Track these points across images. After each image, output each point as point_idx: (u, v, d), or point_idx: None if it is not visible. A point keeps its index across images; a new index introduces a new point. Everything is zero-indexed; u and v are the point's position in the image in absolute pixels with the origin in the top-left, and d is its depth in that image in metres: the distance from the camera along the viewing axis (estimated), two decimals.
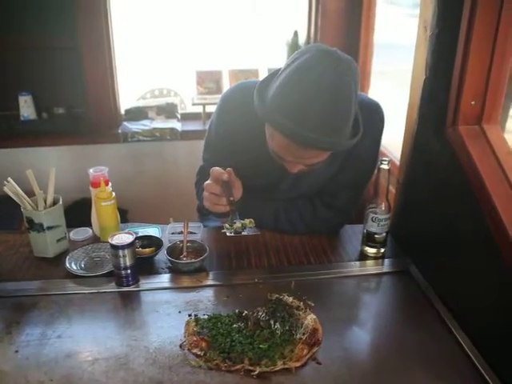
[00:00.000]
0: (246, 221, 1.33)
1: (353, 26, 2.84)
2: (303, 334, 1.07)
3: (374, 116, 1.44)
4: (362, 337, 1.12)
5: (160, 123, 3.01)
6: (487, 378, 0.98)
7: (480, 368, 1.01)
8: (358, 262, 1.41)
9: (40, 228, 1.35)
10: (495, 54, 1.13)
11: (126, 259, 1.22)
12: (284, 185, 1.51)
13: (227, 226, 1.32)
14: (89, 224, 1.54)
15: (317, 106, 1.09)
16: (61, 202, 1.39)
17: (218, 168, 1.32)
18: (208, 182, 1.33)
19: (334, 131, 1.14)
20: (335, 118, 1.13)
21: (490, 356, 1.03)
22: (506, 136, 1.23)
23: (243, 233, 1.33)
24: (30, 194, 1.36)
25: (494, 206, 1.03)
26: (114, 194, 1.42)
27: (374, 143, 1.46)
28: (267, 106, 1.18)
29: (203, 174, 1.44)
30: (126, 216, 2.90)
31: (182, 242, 1.39)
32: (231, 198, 1.32)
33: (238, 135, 1.46)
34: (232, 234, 1.32)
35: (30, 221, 1.34)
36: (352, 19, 2.82)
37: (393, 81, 3.02)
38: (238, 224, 1.32)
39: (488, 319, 1.07)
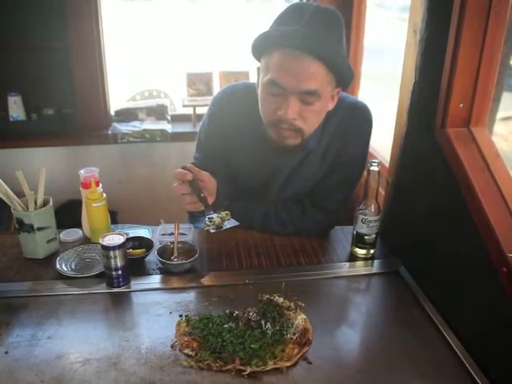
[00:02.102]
0: (223, 213, 1.32)
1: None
2: (294, 333, 1.07)
3: (362, 117, 1.46)
4: (352, 337, 1.13)
5: (150, 124, 3.00)
6: (476, 377, 1.00)
7: (468, 367, 1.02)
8: (347, 263, 1.41)
9: (30, 229, 1.34)
10: (483, 57, 1.15)
11: (117, 260, 1.22)
12: (275, 186, 1.52)
13: (207, 223, 1.31)
14: (79, 225, 1.54)
15: (308, 11, 1.21)
16: (51, 203, 1.39)
17: (179, 170, 1.30)
18: (174, 184, 1.31)
19: (327, 37, 1.22)
20: (326, 20, 1.23)
21: (478, 355, 1.04)
22: (494, 139, 1.24)
23: (225, 227, 1.31)
24: (20, 195, 1.35)
25: (481, 206, 1.04)
26: (104, 195, 1.42)
27: (362, 144, 1.48)
28: (263, 32, 1.27)
29: None
30: (115, 218, 2.88)
31: (172, 243, 1.39)
32: (202, 195, 1.30)
33: (229, 136, 1.47)
34: (215, 230, 1.31)
35: (20, 222, 1.34)
36: None
37: (382, 84, 3.04)
38: (216, 219, 1.31)
39: (477, 319, 1.09)
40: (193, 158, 1.60)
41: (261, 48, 1.29)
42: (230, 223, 1.32)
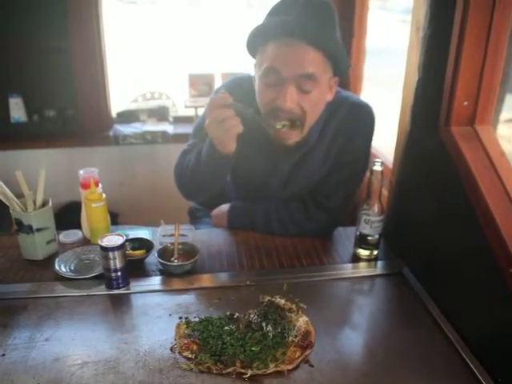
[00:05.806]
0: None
1: (345, 31, 2.84)
2: (295, 336, 1.06)
3: (365, 116, 1.46)
4: (355, 339, 1.11)
5: (151, 126, 2.99)
6: (482, 380, 0.98)
7: (474, 370, 1.00)
8: (350, 264, 1.40)
9: (29, 230, 1.33)
10: (488, 55, 1.13)
11: (116, 261, 1.20)
12: (275, 183, 1.50)
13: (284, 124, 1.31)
14: (79, 227, 1.52)
15: (300, 1, 1.21)
16: (50, 204, 1.37)
17: (218, 95, 1.28)
18: (217, 110, 1.25)
19: (321, 25, 1.23)
20: (319, 10, 1.24)
21: (483, 356, 1.03)
22: (499, 139, 1.23)
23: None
24: (20, 196, 1.34)
25: (486, 205, 1.03)
26: (104, 195, 1.40)
27: (365, 143, 1.47)
28: (257, 25, 1.28)
29: (186, 155, 1.45)
30: (116, 219, 2.88)
31: (173, 244, 1.38)
32: (251, 109, 1.29)
33: None
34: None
35: (19, 222, 1.32)
36: (344, 24, 2.82)
37: (384, 86, 3.03)
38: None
39: (482, 321, 1.07)
40: (186, 145, 1.56)
41: (256, 41, 1.29)
42: None
